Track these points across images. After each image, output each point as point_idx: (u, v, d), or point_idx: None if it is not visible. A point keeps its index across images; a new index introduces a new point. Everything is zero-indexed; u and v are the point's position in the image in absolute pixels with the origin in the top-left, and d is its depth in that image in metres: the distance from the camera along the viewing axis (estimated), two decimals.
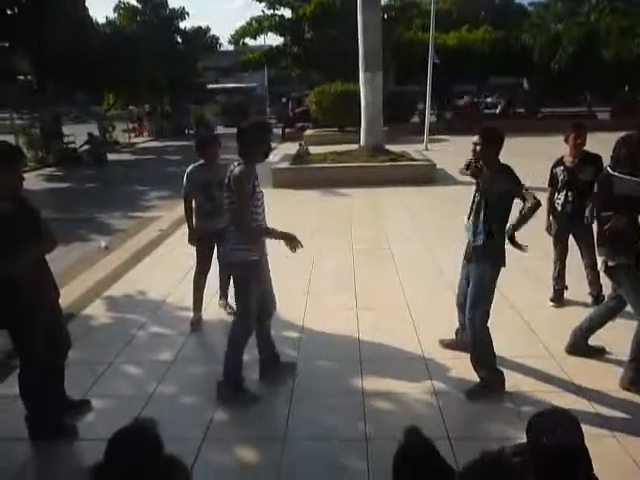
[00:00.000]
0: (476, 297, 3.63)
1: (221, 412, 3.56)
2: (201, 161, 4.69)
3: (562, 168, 4.83)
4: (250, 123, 3.66)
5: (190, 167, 4.74)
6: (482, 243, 3.58)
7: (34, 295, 3.06)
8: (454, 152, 3.86)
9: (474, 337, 3.65)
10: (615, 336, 4.05)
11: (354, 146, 14.39)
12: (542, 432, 1.90)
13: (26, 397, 3.26)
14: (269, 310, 3.85)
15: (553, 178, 4.92)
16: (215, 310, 5.17)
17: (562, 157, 4.89)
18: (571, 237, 5.02)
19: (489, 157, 3.58)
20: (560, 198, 4.84)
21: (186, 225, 4.94)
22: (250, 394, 3.70)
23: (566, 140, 4.79)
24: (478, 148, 3.58)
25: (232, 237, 3.55)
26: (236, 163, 3.51)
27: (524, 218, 3.49)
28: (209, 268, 4.81)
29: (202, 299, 4.93)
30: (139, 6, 29.09)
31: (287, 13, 28.14)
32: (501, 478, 1.70)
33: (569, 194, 4.77)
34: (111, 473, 1.45)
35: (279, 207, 10.11)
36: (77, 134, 20.38)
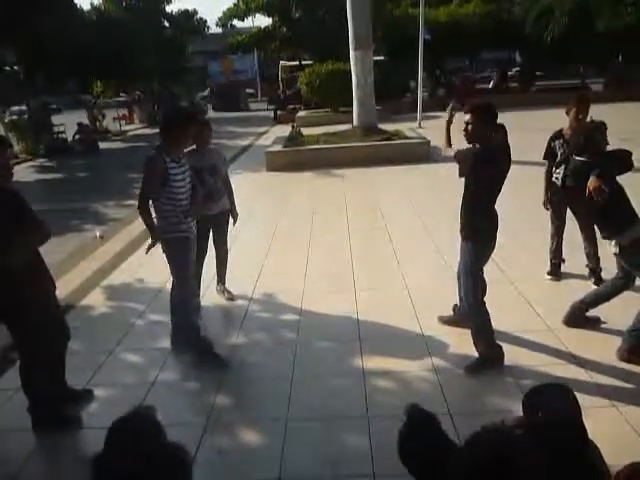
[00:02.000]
0: (465, 273, 3.65)
1: (222, 396, 3.57)
2: (192, 146, 4.65)
3: (561, 141, 4.72)
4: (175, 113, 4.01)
5: None
6: (467, 220, 3.57)
7: (29, 287, 3.03)
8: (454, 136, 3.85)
9: (470, 312, 3.67)
10: (610, 307, 4.06)
11: (347, 126, 14.28)
12: (537, 406, 1.91)
13: (27, 389, 3.27)
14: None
15: (551, 151, 4.82)
16: (214, 295, 5.17)
17: (561, 130, 4.78)
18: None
19: (482, 134, 3.39)
20: (559, 172, 4.73)
21: None
22: (220, 359, 3.92)
23: (567, 113, 4.70)
24: (470, 127, 3.39)
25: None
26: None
27: None
28: (205, 253, 4.79)
29: (199, 285, 4.91)
30: None
31: None
32: (503, 451, 1.71)
33: (568, 168, 4.71)
34: (111, 462, 1.45)
35: (273, 190, 10.09)
36: (67, 124, 20.17)
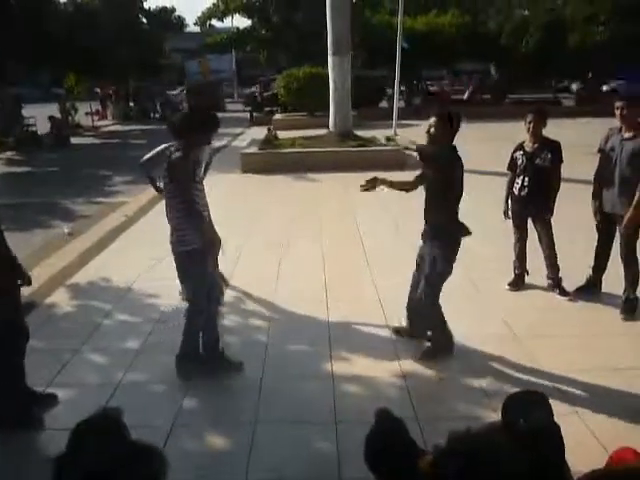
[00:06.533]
0: (429, 277, 3.75)
1: (190, 399, 3.53)
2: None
3: (521, 152, 4.88)
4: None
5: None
6: (431, 223, 3.69)
7: None
8: (423, 137, 3.87)
9: (428, 303, 3.80)
10: (580, 315, 4.16)
11: (323, 131, 14.31)
12: (517, 413, 1.94)
13: None
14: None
15: (513, 162, 4.97)
16: (179, 297, 5.09)
17: (523, 142, 4.93)
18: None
19: (442, 138, 3.54)
20: (518, 182, 4.89)
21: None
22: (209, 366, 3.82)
23: (525, 125, 4.84)
24: (432, 130, 3.54)
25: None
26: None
27: None
28: None
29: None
30: None
31: None
32: (472, 458, 1.73)
33: (526, 179, 4.82)
34: (74, 463, 1.42)
35: (247, 193, 10.03)
36: (38, 117, 19.72)
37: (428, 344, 3.97)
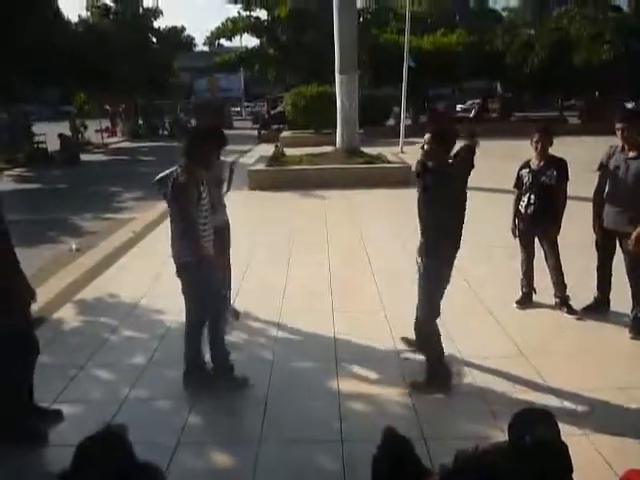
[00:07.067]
0: (421, 292, 3.72)
1: (195, 415, 3.52)
2: None
3: (527, 170, 4.89)
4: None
5: None
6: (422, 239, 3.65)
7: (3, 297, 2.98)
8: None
9: (423, 330, 3.77)
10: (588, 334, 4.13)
11: (330, 148, 14.41)
12: (524, 430, 1.93)
13: None
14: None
15: (519, 180, 4.98)
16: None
17: (529, 160, 4.95)
18: None
19: (437, 155, 3.53)
20: (524, 200, 4.89)
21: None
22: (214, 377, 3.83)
23: (531, 143, 4.86)
24: (427, 147, 3.53)
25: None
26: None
27: None
28: None
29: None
30: (112, 4, 28.67)
31: (263, 14, 28.10)
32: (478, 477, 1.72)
33: (532, 196, 4.83)
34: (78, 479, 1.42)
35: (255, 209, 10.08)
36: (48, 134, 19.97)
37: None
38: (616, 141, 4.48)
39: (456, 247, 3.65)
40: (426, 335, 3.77)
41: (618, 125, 4.29)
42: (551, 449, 1.86)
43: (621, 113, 4.40)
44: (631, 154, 4.31)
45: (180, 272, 3.69)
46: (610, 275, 4.75)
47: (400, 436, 2.24)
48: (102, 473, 1.41)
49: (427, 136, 3.54)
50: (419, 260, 3.68)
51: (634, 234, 4.25)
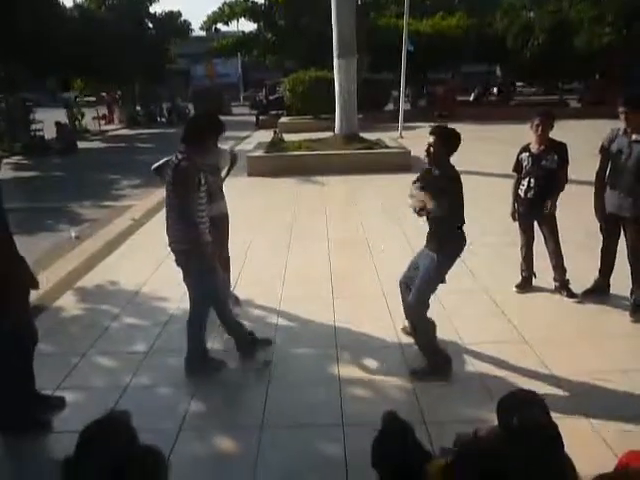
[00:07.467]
0: (424, 282, 3.65)
1: (197, 402, 3.54)
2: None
3: (527, 154, 4.87)
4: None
5: None
6: (435, 234, 3.63)
7: (4, 286, 2.97)
8: (427, 140, 3.91)
9: (416, 321, 3.74)
10: (590, 318, 4.14)
11: (329, 134, 14.33)
12: (511, 412, 1.95)
13: None
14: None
15: (518, 164, 4.95)
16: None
17: (529, 144, 4.91)
18: None
19: (442, 158, 3.50)
20: (524, 184, 4.88)
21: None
22: (215, 362, 3.91)
23: (531, 127, 4.83)
24: (432, 149, 3.48)
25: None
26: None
27: None
28: None
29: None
30: None
31: None
32: (478, 459, 1.74)
33: (532, 180, 4.82)
34: (82, 466, 1.43)
35: (254, 195, 10.06)
36: (45, 121, 19.86)
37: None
38: (618, 124, 4.45)
39: (465, 241, 3.65)
40: (419, 324, 3.74)
41: (621, 109, 4.26)
42: (539, 428, 1.87)
43: (625, 96, 4.34)
44: (635, 137, 4.27)
45: (179, 260, 3.69)
46: (614, 260, 4.75)
47: (400, 420, 2.25)
48: (105, 459, 1.42)
49: (431, 139, 3.47)
50: (430, 254, 3.64)
51: None
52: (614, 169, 4.44)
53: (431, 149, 3.49)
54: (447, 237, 3.58)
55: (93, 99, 30.63)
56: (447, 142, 3.49)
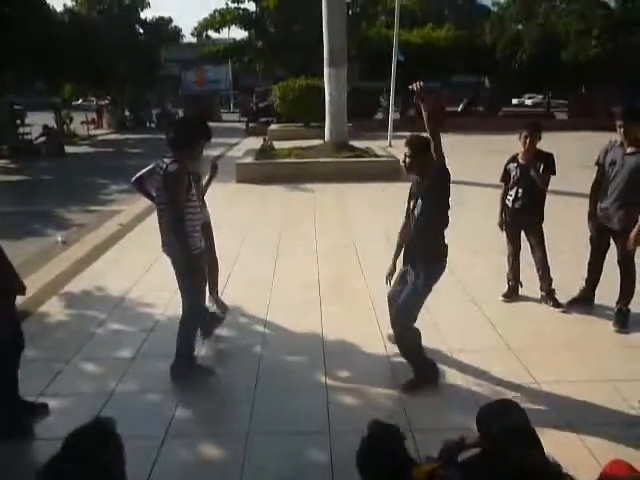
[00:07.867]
0: (412, 297, 3.61)
1: (183, 409, 3.51)
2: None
3: (515, 165, 4.91)
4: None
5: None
6: (420, 246, 3.60)
7: None
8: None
9: (401, 330, 3.71)
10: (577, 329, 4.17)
11: (318, 141, 14.39)
12: (490, 421, 1.97)
13: None
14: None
15: (506, 174, 5.00)
16: (174, 306, 5.09)
17: (517, 154, 4.96)
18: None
19: (422, 166, 3.46)
20: (511, 194, 4.93)
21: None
22: (203, 369, 3.90)
23: (519, 139, 4.88)
24: (408, 160, 3.47)
25: None
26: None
27: None
28: None
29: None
30: None
31: (251, 6, 27.89)
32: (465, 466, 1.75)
33: (519, 190, 4.86)
34: (64, 472, 1.41)
35: (243, 202, 10.05)
36: (34, 125, 19.73)
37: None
38: (605, 136, 4.49)
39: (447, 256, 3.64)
40: (405, 336, 3.70)
41: (618, 122, 4.31)
42: (517, 433, 1.90)
43: (622, 109, 4.38)
44: (629, 150, 4.32)
45: (173, 264, 3.70)
46: (600, 271, 4.79)
47: (386, 426, 2.26)
48: (89, 465, 1.41)
49: (406, 149, 3.46)
50: (418, 267, 3.62)
51: (633, 232, 4.22)
52: (607, 181, 4.49)
53: (407, 159, 3.48)
54: (432, 254, 3.54)
55: (83, 103, 30.45)
56: (422, 150, 3.42)
